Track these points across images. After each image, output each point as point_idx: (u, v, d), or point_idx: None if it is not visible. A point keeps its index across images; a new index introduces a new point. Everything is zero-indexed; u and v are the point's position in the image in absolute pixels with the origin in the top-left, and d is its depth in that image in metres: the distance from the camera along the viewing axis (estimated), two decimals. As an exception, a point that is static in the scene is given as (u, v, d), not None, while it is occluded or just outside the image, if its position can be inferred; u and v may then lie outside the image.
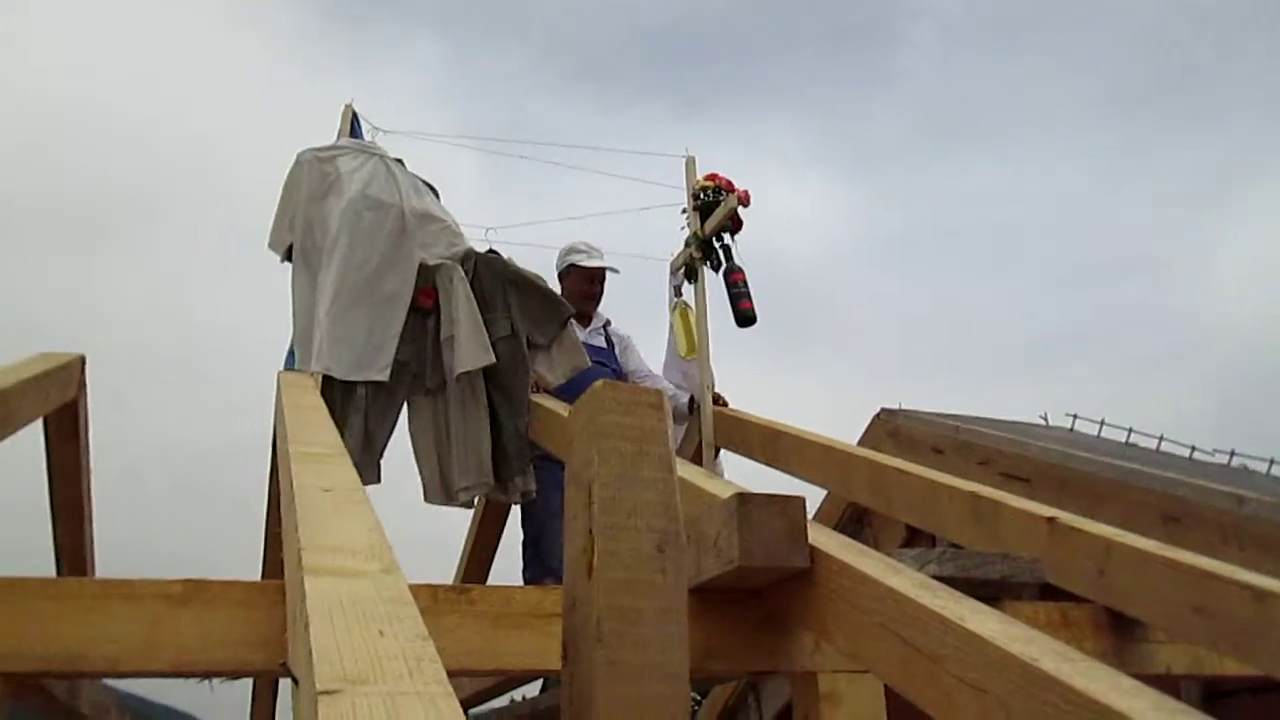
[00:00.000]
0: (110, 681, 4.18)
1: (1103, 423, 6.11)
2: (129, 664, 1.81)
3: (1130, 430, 6.01)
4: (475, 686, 3.98)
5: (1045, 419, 6.36)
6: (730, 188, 4.89)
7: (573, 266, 4.86)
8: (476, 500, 4.51)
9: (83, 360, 3.60)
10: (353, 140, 4.41)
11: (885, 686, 2.01)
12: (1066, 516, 2.43)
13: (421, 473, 4.13)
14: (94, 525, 4.07)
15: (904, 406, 5.07)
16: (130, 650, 1.81)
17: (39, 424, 3.50)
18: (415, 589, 1.21)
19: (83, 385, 3.63)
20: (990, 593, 1.91)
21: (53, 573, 3.95)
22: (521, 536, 4.60)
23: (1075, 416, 6.18)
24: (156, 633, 1.82)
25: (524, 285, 4.23)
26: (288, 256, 4.12)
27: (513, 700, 4.70)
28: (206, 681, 1.90)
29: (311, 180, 4.09)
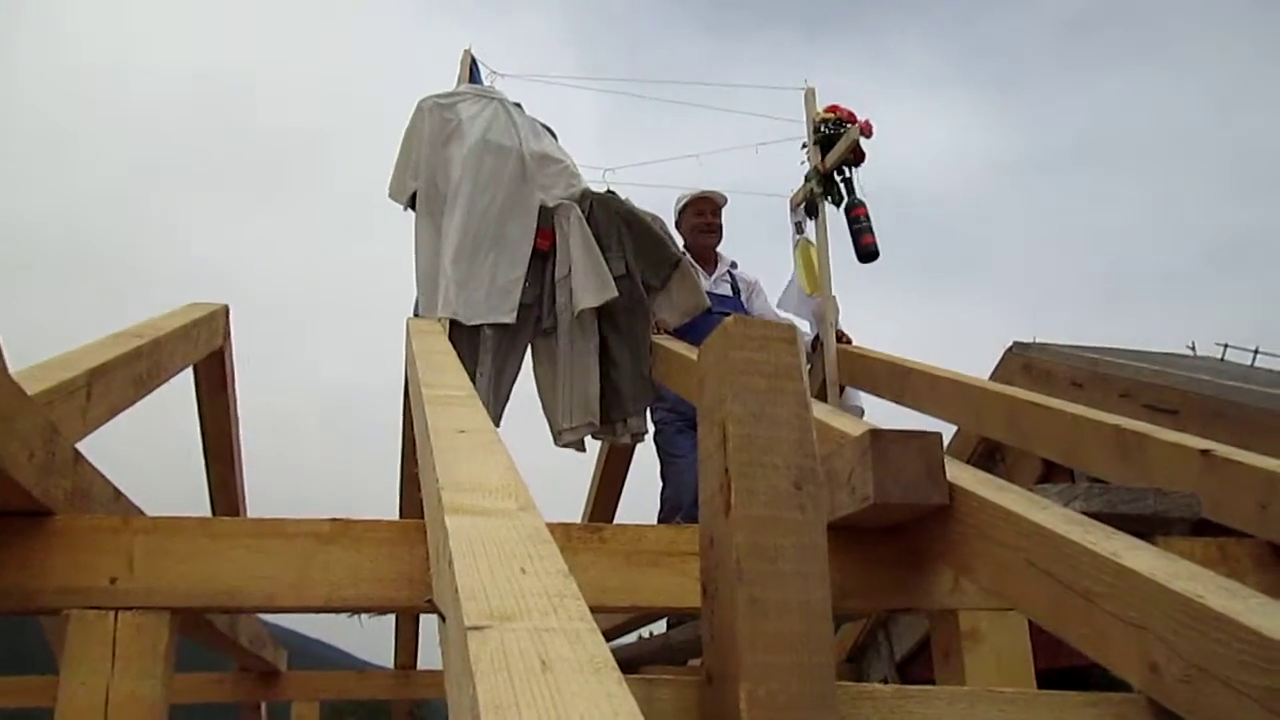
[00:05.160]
0: (264, 617, 4.44)
1: (1256, 350, 5.75)
2: (285, 599, 1.90)
3: (1289, 357, 5.64)
4: (605, 624, 4.06)
5: (1193, 348, 6.04)
6: (851, 119, 4.75)
7: (685, 207, 4.83)
8: (602, 442, 4.55)
9: (227, 310, 3.76)
10: (472, 85, 4.45)
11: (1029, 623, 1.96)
12: (1223, 449, 2.31)
13: (547, 415, 4.18)
14: (243, 464, 4.28)
15: (1038, 340, 4.88)
16: (286, 586, 1.90)
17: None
18: (549, 527, 1.22)
19: (228, 334, 3.80)
20: (1140, 529, 1.83)
21: (207, 508, 4.18)
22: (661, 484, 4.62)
23: (1226, 345, 5.85)
24: (309, 569, 1.91)
25: (636, 224, 4.20)
26: (411, 204, 4.19)
27: (640, 636, 4.79)
28: (356, 616, 1.98)
29: (433, 127, 4.14)
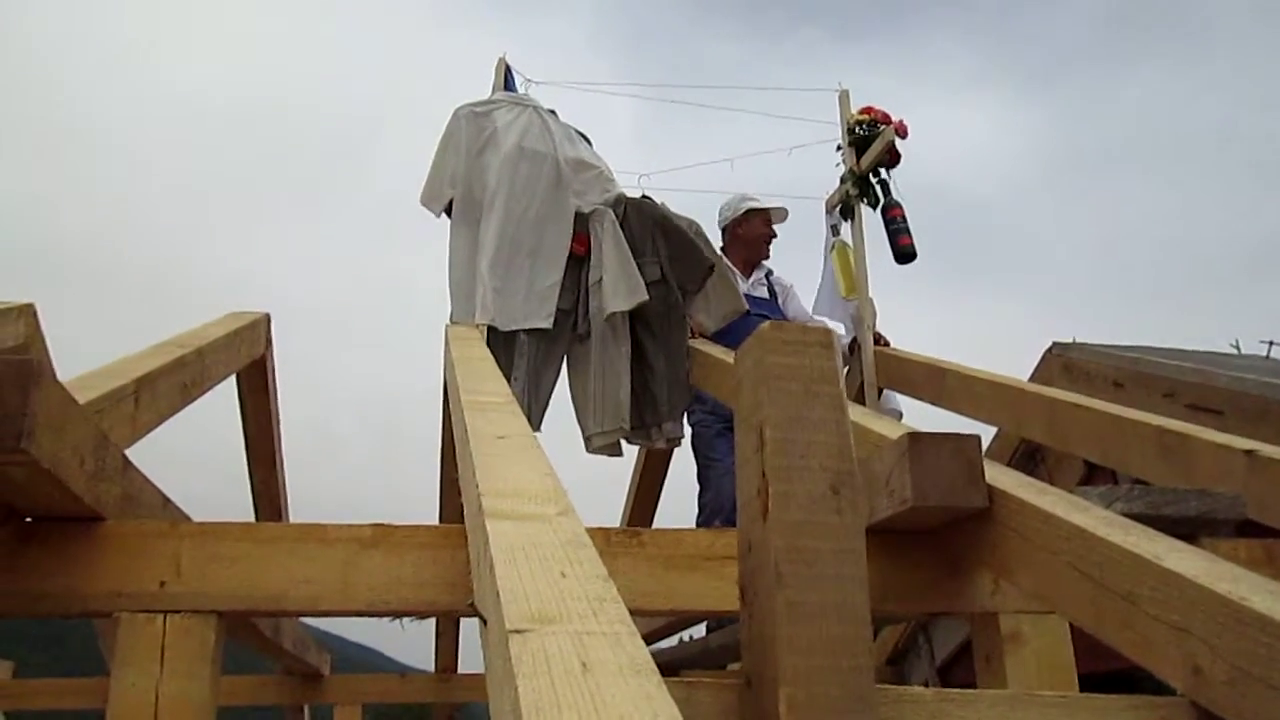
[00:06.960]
0: (307, 621, 4.50)
1: (1303, 347, 5.63)
2: (328, 603, 1.92)
3: (1339, 355, 5.52)
4: (645, 627, 4.07)
5: (1237, 346, 5.93)
6: (886, 120, 4.75)
7: (751, 210, 4.80)
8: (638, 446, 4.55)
9: (268, 318, 3.82)
10: (507, 93, 4.48)
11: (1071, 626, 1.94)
12: (1268, 448, 2.27)
13: (580, 421, 4.17)
14: (285, 470, 4.34)
15: (1078, 340, 4.82)
16: (328, 590, 1.92)
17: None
18: (588, 532, 1.23)
19: (269, 341, 3.85)
20: (1184, 530, 1.81)
21: (251, 514, 4.25)
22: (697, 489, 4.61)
23: (1271, 343, 5.73)
24: (351, 574, 1.93)
25: (671, 230, 4.19)
26: (446, 212, 4.22)
27: (680, 640, 4.80)
28: (398, 620, 2.00)
29: (469, 135, 4.17)
